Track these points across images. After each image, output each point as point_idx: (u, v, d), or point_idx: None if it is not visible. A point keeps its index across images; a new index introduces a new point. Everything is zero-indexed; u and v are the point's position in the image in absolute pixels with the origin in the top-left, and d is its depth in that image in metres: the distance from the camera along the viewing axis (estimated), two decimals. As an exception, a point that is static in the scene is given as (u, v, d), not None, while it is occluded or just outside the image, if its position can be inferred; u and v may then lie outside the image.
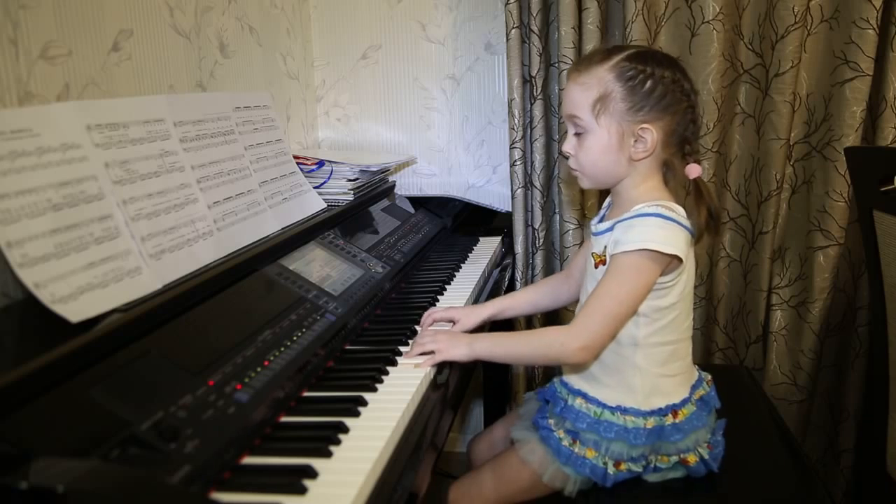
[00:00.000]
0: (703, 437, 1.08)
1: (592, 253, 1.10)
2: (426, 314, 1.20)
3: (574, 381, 1.12)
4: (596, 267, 1.08)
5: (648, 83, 1.01)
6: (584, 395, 1.09)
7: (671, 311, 1.05)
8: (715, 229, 1.06)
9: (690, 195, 1.07)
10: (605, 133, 1.03)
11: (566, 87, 1.09)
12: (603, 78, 1.02)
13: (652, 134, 1.02)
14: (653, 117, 1.02)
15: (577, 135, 1.07)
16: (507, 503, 1.12)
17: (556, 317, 1.80)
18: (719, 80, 1.60)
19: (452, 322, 1.19)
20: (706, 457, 1.07)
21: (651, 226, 1.00)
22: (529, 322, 1.79)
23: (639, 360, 1.05)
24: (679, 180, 1.09)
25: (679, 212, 1.03)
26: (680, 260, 1.01)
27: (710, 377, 1.16)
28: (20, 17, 0.95)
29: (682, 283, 1.05)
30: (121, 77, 1.16)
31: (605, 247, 1.05)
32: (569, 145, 1.08)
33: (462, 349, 1.04)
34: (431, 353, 1.04)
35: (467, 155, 1.96)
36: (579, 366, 1.10)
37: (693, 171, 1.05)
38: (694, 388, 1.11)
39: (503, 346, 1.08)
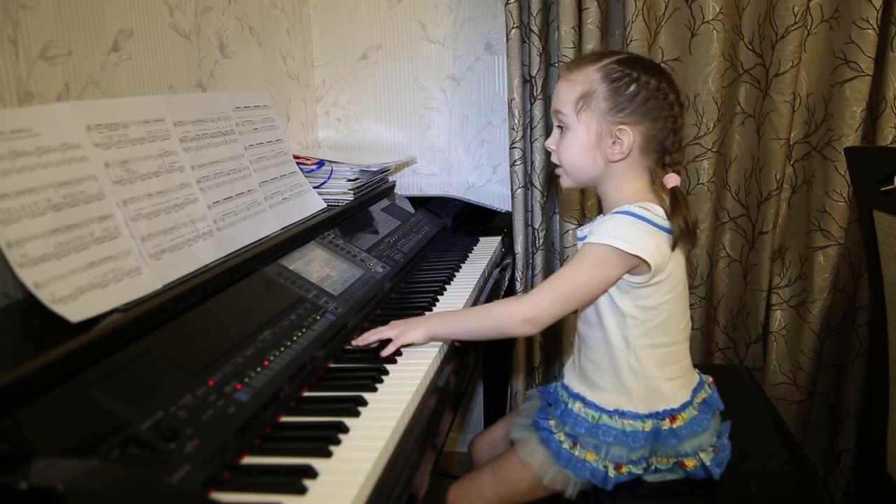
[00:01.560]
0: (708, 440, 1.07)
1: None
2: None
3: (573, 384, 1.12)
4: None
5: (633, 87, 1.02)
6: (583, 399, 1.09)
7: (660, 311, 1.04)
8: (691, 240, 1.05)
9: (667, 204, 1.05)
10: (584, 130, 1.05)
11: (557, 84, 1.10)
12: (590, 76, 1.04)
13: (629, 136, 1.03)
14: (632, 120, 1.03)
15: (560, 130, 1.09)
16: (506, 504, 1.13)
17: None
18: (719, 80, 1.60)
19: None
20: (707, 462, 1.06)
21: (620, 223, 1.00)
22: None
23: (633, 362, 1.05)
24: (661, 189, 1.08)
25: (657, 212, 1.02)
26: (647, 263, 0.99)
27: (711, 379, 1.16)
28: (20, 17, 0.95)
29: (670, 284, 1.04)
30: (121, 77, 1.16)
31: None
32: (551, 140, 1.11)
33: (418, 331, 1.06)
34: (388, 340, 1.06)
35: (467, 155, 1.96)
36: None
37: (671, 180, 1.05)
38: (695, 391, 1.10)
39: (455, 321, 1.10)
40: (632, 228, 1.00)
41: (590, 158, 1.06)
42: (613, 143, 1.04)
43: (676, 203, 1.03)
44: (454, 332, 1.10)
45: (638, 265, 1.01)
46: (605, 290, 1.03)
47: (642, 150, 1.05)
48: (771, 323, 1.73)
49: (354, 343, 1.07)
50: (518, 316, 1.03)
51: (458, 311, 1.14)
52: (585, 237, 1.07)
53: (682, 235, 1.02)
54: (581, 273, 1.01)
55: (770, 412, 1.31)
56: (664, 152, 1.05)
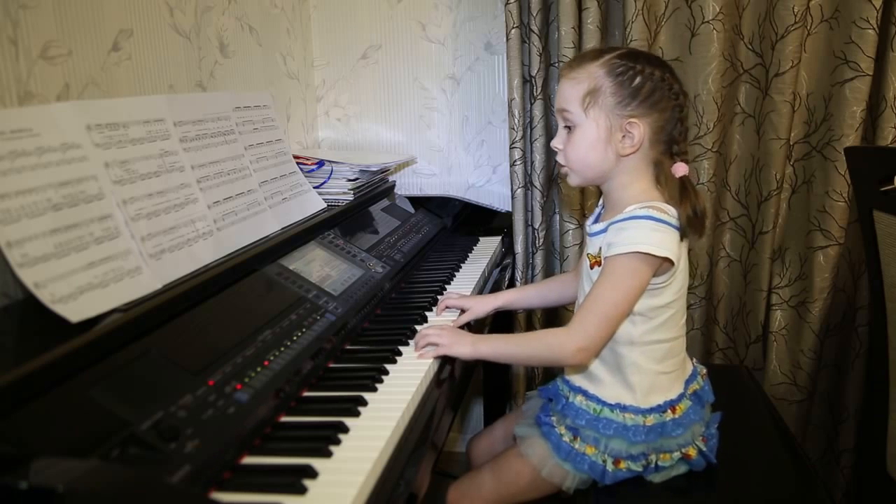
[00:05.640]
0: (699, 430, 1.09)
1: (588, 254, 1.11)
2: (440, 300, 1.26)
3: (575, 378, 1.13)
4: (591, 268, 1.09)
5: (638, 79, 1.03)
6: (584, 393, 1.10)
7: (667, 309, 1.06)
8: (699, 229, 1.06)
9: (675, 194, 1.07)
10: (594, 126, 1.05)
11: (559, 84, 1.10)
12: (593, 73, 1.04)
13: (639, 129, 1.03)
14: (641, 112, 1.03)
15: (567, 130, 1.08)
16: (506, 503, 1.13)
17: (555, 315, 1.81)
18: (719, 80, 1.60)
19: (463, 310, 1.23)
20: (703, 449, 1.08)
21: (643, 228, 1.00)
22: (529, 321, 1.79)
23: (637, 357, 1.06)
24: (669, 179, 1.09)
25: (671, 213, 1.04)
26: (672, 262, 1.01)
27: (704, 370, 1.17)
28: (20, 16, 0.95)
29: (678, 283, 1.06)
30: (121, 77, 1.16)
31: (600, 248, 1.06)
32: (558, 140, 1.10)
33: (466, 348, 1.05)
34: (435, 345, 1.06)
35: (467, 155, 1.96)
36: (579, 366, 1.11)
37: (679, 169, 1.06)
38: (688, 382, 1.12)
39: (505, 347, 1.10)
40: (654, 232, 1.00)
41: (600, 154, 1.06)
42: (624, 136, 1.04)
43: (686, 192, 1.05)
44: (502, 357, 1.11)
45: (661, 265, 1.02)
46: (640, 297, 1.03)
47: (651, 142, 1.05)
48: (771, 323, 1.73)
49: (417, 353, 1.06)
50: (570, 347, 1.02)
51: (507, 337, 1.13)
52: (598, 233, 1.08)
53: (691, 224, 1.04)
54: (619, 290, 1.01)
55: (770, 412, 1.31)
56: (672, 142, 1.06)
